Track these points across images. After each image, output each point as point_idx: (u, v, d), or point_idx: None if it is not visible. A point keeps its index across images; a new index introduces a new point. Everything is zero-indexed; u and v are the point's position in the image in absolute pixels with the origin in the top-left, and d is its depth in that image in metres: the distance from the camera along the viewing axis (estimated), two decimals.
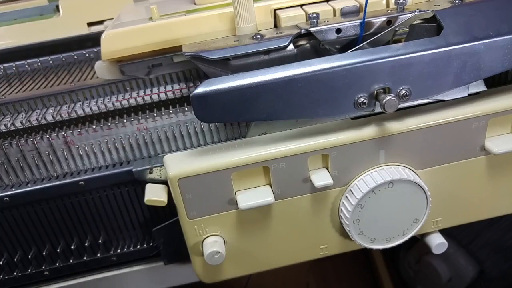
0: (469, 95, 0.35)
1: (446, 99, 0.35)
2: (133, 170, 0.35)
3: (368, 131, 0.33)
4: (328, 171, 0.33)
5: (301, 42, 0.34)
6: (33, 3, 0.56)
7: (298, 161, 0.32)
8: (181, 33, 0.35)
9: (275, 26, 0.36)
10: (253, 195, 0.33)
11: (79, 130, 0.35)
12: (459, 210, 0.37)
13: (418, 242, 0.71)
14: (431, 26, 0.33)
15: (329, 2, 0.36)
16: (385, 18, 0.33)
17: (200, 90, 0.29)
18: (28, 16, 0.56)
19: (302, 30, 0.32)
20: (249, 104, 0.30)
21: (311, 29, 0.32)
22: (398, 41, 0.36)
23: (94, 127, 0.35)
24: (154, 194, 0.33)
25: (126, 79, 0.38)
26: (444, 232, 0.66)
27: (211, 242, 0.33)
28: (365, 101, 0.31)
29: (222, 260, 0.33)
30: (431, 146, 0.34)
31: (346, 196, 0.34)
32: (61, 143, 0.36)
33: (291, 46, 0.32)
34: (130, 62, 0.36)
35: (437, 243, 0.38)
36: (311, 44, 0.34)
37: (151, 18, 0.36)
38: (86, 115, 0.36)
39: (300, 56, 0.33)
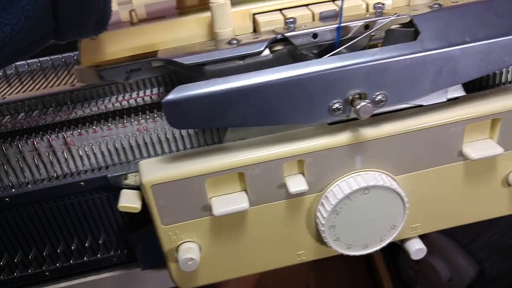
0: (448, 100, 0.35)
1: (424, 104, 0.35)
2: (108, 176, 0.34)
3: (344, 137, 0.32)
4: (304, 177, 0.33)
5: (278, 47, 0.33)
6: None
7: (273, 167, 0.32)
8: (158, 38, 0.34)
9: (255, 30, 0.36)
10: (228, 201, 0.33)
11: (79, 130, 0.35)
12: (438, 216, 0.37)
13: None
14: (409, 31, 0.33)
15: (309, 6, 0.36)
16: (362, 23, 0.33)
17: (172, 96, 0.29)
18: None
19: (278, 35, 0.32)
20: (222, 110, 0.30)
21: (286, 34, 0.32)
22: (376, 46, 0.35)
23: (94, 127, 0.35)
24: (128, 201, 0.33)
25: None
26: (444, 232, 0.66)
27: (186, 249, 0.33)
28: (339, 107, 0.31)
29: (196, 267, 0.33)
30: (409, 152, 0.34)
31: (322, 202, 0.34)
32: (61, 143, 0.35)
33: (266, 52, 0.32)
34: (109, 67, 0.36)
35: (416, 249, 0.38)
36: (288, 49, 0.33)
37: (130, 23, 0.36)
38: (86, 116, 0.36)
39: (277, 61, 0.33)
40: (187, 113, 0.29)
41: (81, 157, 0.36)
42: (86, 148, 0.36)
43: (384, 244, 0.36)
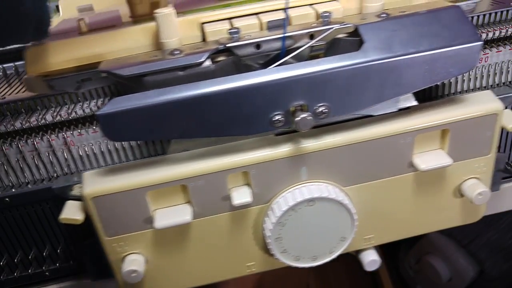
0: (399, 110, 0.34)
1: (374, 114, 0.34)
2: (53, 187, 0.34)
3: (288, 149, 0.32)
4: (250, 188, 0.33)
5: (221, 58, 0.33)
6: None
7: (217, 179, 0.32)
8: (105, 48, 0.34)
9: (204, 40, 0.35)
10: (171, 214, 0.32)
11: (79, 130, 0.35)
12: (391, 227, 0.37)
13: (418, 242, 0.71)
14: (355, 40, 0.32)
15: (259, 15, 0.35)
16: (306, 32, 0.32)
17: (106, 109, 0.28)
18: None
19: (220, 46, 0.32)
20: (158, 122, 0.29)
21: (228, 45, 0.32)
22: (318, 56, 0.35)
23: (94, 127, 0.35)
24: (70, 212, 0.33)
25: None
26: (444, 232, 0.66)
27: (130, 261, 0.33)
28: (281, 119, 0.30)
29: (140, 279, 0.33)
30: (358, 163, 0.33)
31: (268, 214, 0.33)
32: (61, 143, 0.36)
33: (208, 62, 0.32)
34: (57, 77, 0.35)
35: (369, 260, 0.37)
36: (232, 59, 0.33)
37: (78, 32, 0.36)
38: (86, 116, 0.36)
39: (220, 72, 0.32)
40: (122, 126, 0.29)
41: (81, 157, 0.36)
42: (86, 148, 0.36)
43: (334, 256, 0.35)
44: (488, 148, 0.35)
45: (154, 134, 0.30)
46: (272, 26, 0.34)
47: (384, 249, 0.88)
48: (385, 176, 0.34)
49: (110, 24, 0.37)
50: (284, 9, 0.35)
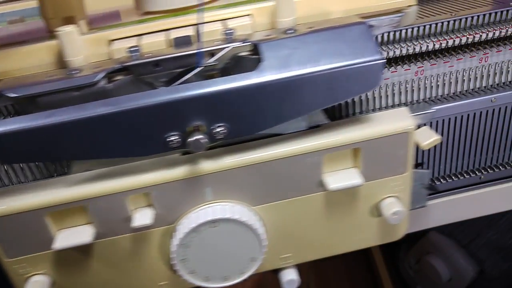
0: (310, 128, 0.34)
1: (284, 132, 0.33)
2: None
3: (188, 169, 0.31)
4: (154, 209, 0.32)
5: (120, 77, 0.32)
6: (32, 3, 0.55)
7: (116, 200, 0.31)
8: (8, 66, 0.34)
9: (110, 57, 0.35)
10: (71, 235, 0.32)
11: None
12: (308, 246, 0.36)
13: (418, 242, 0.70)
14: (255, 59, 0.31)
15: (169, 31, 0.35)
16: (205, 50, 0.32)
17: None
18: (28, 16, 0.55)
19: (117, 65, 0.31)
20: (47, 145, 0.29)
21: (124, 64, 0.31)
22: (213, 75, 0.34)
23: None
24: None
25: None
26: (444, 232, 0.65)
27: (32, 282, 0.33)
28: (177, 139, 0.30)
29: None
30: (265, 182, 0.33)
31: (173, 235, 0.33)
32: None
33: (103, 82, 0.31)
34: None
35: (286, 279, 0.36)
36: (131, 78, 0.32)
37: None
38: None
39: (119, 91, 0.32)
40: (10, 148, 0.28)
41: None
42: None
43: (246, 276, 0.35)
44: (404, 167, 0.34)
45: (45, 156, 0.29)
46: (179, 43, 0.33)
47: (384, 249, 0.88)
48: (295, 196, 0.33)
49: (23, 39, 0.37)
50: (191, 25, 0.34)
